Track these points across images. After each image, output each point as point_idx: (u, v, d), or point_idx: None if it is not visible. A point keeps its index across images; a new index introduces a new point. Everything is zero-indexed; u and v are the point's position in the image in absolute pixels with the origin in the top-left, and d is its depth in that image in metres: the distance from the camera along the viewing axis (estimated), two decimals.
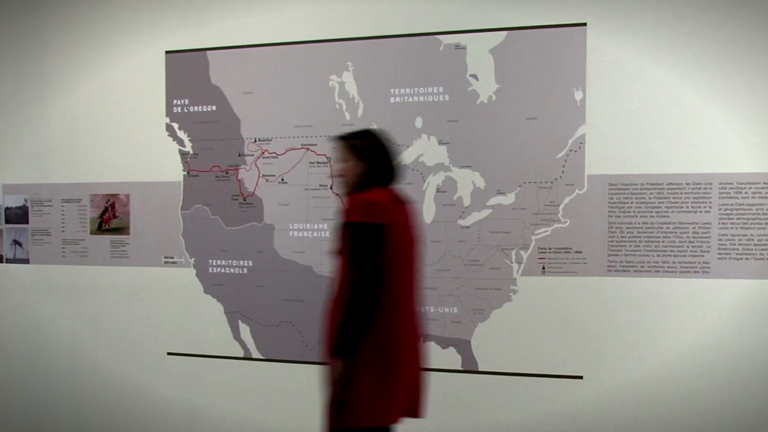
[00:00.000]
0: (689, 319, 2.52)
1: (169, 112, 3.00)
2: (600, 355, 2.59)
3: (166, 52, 2.99)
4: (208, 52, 2.93)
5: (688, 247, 2.51)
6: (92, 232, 3.12)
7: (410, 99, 2.72)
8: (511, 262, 2.66)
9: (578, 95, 2.56)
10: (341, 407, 1.76)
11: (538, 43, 2.59)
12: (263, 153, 2.88)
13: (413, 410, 1.94)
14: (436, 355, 2.71)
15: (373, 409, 1.76)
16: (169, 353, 3.05)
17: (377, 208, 1.76)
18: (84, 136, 3.11)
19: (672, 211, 2.52)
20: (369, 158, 1.88)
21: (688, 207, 2.50)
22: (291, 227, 2.87)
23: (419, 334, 1.97)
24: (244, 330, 2.96)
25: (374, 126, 2.74)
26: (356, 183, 1.90)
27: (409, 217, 1.94)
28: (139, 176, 3.04)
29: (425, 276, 2.68)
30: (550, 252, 2.62)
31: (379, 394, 1.76)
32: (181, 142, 3.00)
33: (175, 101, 2.99)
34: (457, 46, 2.67)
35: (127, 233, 3.07)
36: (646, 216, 2.54)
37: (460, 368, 2.72)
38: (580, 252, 2.60)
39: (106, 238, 3.10)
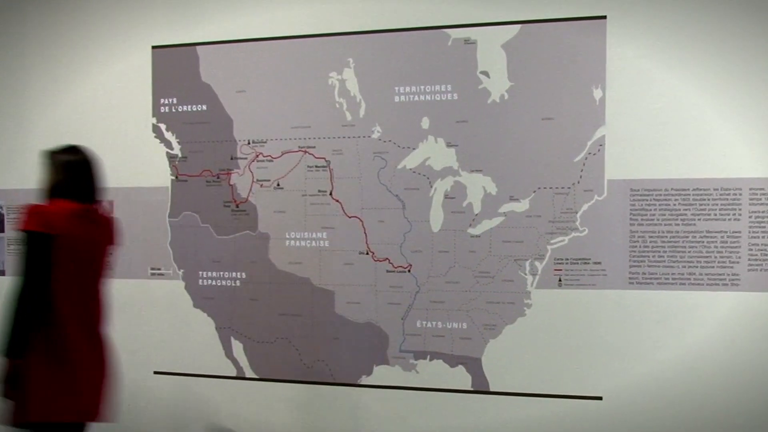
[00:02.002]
0: (717, 335, 2.46)
1: (155, 112, 2.96)
2: (621, 374, 2.53)
3: (153, 48, 2.96)
4: (198, 47, 2.90)
5: (715, 257, 2.45)
6: None
7: (416, 98, 2.68)
8: (525, 274, 2.59)
9: (597, 94, 2.52)
10: (19, 403, 1.99)
11: (554, 38, 2.55)
12: (257, 156, 2.84)
13: (97, 414, 2.15)
14: (444, 374, 2.68)
15: (49, 406, 2.01)
16: (155, 372, 3.00)
17: (45, 218, 1.99)
18: (65, 137, 3.01)
19: (698, 219, 2.46)
20: (60, 172, 2.12)
21: (715, 214, 2.44)
22: (287, 236, 2.81)
23: (103, 340, 2.20)
24: (237, 347, 2.90)
25: (377, 127, 2.69)
26: (47, 193, 2.13)
27: (95, 232, 2.16)
28: (124, 181, 2.99)
29: (431, 289, 2.68)
30: (567, 263, 2.55)
31: (54, 392, 2.01)
32: (168, 145, 2.96)
33: (162, 100, 2.95)
34: (467, 41, 2.62)
35: None
36: (670, 224, 2.48)
37: (470, 388, 2.66)
38: (599, 263, 2.53)
39: None
